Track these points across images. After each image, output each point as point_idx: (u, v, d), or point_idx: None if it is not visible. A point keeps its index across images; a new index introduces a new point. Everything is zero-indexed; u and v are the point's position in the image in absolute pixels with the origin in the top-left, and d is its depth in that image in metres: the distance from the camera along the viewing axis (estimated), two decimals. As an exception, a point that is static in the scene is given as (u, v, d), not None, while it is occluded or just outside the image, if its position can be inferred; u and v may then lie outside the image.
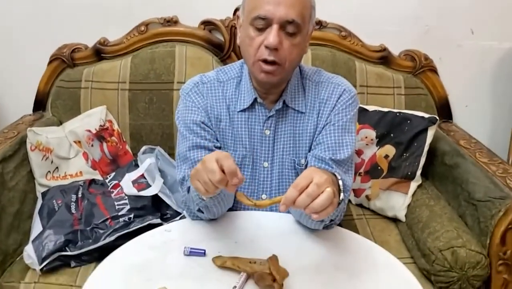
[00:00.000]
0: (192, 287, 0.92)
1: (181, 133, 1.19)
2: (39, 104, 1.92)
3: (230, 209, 1.17)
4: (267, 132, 1.20)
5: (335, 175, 0.99)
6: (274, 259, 0.93)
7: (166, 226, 1.14)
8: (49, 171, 1.68)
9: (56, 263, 1.36)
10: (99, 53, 1.89)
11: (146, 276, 0.94)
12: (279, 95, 1.18)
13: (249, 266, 0.94)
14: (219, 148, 1.20)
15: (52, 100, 1.89)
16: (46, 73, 1.89)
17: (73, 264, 1.38)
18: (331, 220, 1.09)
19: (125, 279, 0.94)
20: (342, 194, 0.96)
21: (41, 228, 1.43)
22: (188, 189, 1.11)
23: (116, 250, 1.02)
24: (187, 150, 1.16)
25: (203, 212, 1.10)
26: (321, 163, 1.13)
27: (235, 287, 0.91)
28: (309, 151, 1.19)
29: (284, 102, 1.18)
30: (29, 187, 1.63)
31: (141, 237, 1.08)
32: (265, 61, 1.07)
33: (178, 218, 1.50)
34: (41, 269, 1.33)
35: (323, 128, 1.17)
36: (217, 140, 1.20)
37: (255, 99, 1.18)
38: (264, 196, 1.22)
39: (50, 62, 1.89)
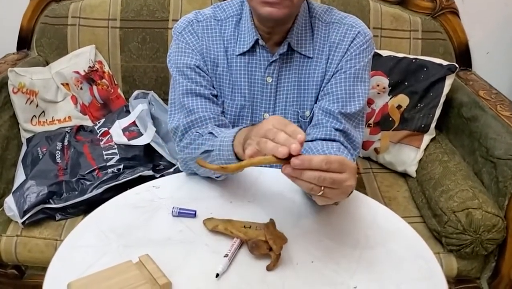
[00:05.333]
0: (178, 255, 0.82)
1: (174, 78, 1.06)
2: (23, 42, 1.78)
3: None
4: (269, 79, 1.06)
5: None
6: (271, 226, 0.83)
7: (154, 181, 1.03)
8: (34, 116, 1.58)
9: (40, 216, 1.28)
10: (87, -15, 1.73)
11: (127, 242, 0.84)
12: (284, 37, 1.03)
13: (243, 231, 0.84)
14: (216, 96, 1.07)
15: (37, 38, 1.76)
16: (30, 8, 1.75)
17: (58, 216, 1.30)
18: None
19: (103, 246, 0.83)
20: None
21: (24, 177, 1.34)
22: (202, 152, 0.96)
23: (94, 211, 0.92)
24: (180, 96, 1.04)
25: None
26: (328, 117, 1.00)
27: (226, 255, 0.81)
28: (316, 102, 1.06)
29: (289, 45, 1.03)
30: (13, 133, 1.53)
31: (125, 194, 0.98)
32: None
33: (172, 169, 1.40)
34: (23, 222, 1.25)
35: (332, 76, 1.03)
36: (213, 87, 1.07)
37: (257, 40, 1.03)
38: (263, 151, 1.10)
39: (33, -6, 1.74)
